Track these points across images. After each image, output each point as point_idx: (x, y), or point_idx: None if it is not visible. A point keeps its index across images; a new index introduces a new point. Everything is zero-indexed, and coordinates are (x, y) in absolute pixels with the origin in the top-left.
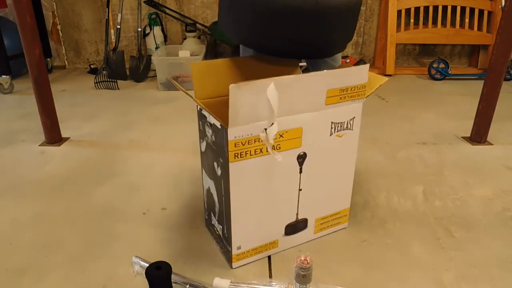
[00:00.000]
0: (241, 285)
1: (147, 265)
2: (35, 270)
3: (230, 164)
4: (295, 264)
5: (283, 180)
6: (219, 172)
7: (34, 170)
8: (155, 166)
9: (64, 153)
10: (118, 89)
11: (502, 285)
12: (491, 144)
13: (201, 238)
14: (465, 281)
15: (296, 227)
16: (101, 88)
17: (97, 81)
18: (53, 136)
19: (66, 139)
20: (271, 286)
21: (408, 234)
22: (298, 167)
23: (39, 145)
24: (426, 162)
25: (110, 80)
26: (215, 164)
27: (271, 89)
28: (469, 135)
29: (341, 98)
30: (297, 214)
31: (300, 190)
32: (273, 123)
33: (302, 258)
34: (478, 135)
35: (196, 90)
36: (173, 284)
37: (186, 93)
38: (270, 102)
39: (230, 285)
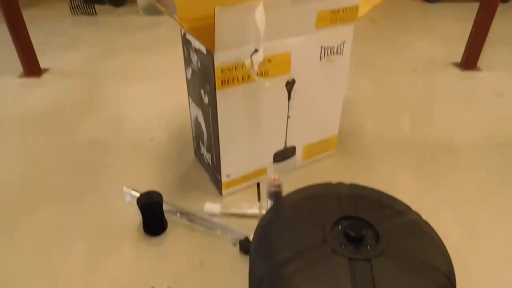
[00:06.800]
0: (232, 209)
1: (138, 195)
2: (26, 205)
3: (217, 91)
4: (267, 183)
5: (271, 107)
6: (206, 100)
7: (15, 104)
8: (140, 96)
9: (45, 85)
10: (96, 14)
11: (482, 209)
12: (481, 71)
13: (190, 167)
14: (447, 205)
15: (284, 154)
16: (78, 14)
17: (73, 5)
18: (32, 68)
19: (46, 70)
20: (258, 209)
21: (394, 161)
22: (287, 94)
23: (18, 77)
24: (415, 89)
25: (87, 4)
26: (202, 91)
27: (260, 10)
28: (459, 61)
29: (332, 21)
30: (285, 141)
31: (288, 117)
32: (257, 50)
33: (272, 177)
34: (469, 61)
35: (180, 11)
36: (165, 213)
37: (170, 16)
38: (258, 25)
39: (221, 209)
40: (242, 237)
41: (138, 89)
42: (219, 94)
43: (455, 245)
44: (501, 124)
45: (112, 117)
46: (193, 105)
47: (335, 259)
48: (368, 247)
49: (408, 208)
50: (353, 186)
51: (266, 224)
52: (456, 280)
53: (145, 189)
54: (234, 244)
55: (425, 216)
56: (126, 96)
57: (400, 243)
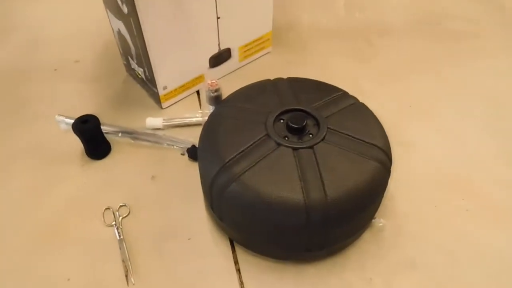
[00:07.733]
0: (174, 120)
1: (73, 121)
2: None
3: None
4: (205, 89)
5: (198, 9)
6: (125, 9)
7: None
8: (55, 15)
9: None
10: None
11: (416, 85)
12: None
13: (125, 85)
14: (381, 86)
15: (219, 58)
16: None
17: None
18: None
19: None
20: (201, 116)
21: (331, 50)
22: None
23: None
24: None
25: None
26: (119, 0)
27: None
28: None
29: None
30: (219, 44)
31: (218, 18)
32: None
33: (210, 82)
34: None
35: None
36: (106, 135)
37: None
38: None
39: (163, 122)
40: (189, 145)
41: (49, 6)
42: (138, 0)
43: (391, 122)
44: (433, 1)
45: (25, 41)
46: (112, 18)
47: (280, 151)
48: (310, 136)
49: (345, 93)
50: (291, 80)
51: (209, 129)
52: (393, 154)
53: (80, 113)
54: (182, 154)
55: (362, 99)
56: (39, 16)
57: (339, 127)
